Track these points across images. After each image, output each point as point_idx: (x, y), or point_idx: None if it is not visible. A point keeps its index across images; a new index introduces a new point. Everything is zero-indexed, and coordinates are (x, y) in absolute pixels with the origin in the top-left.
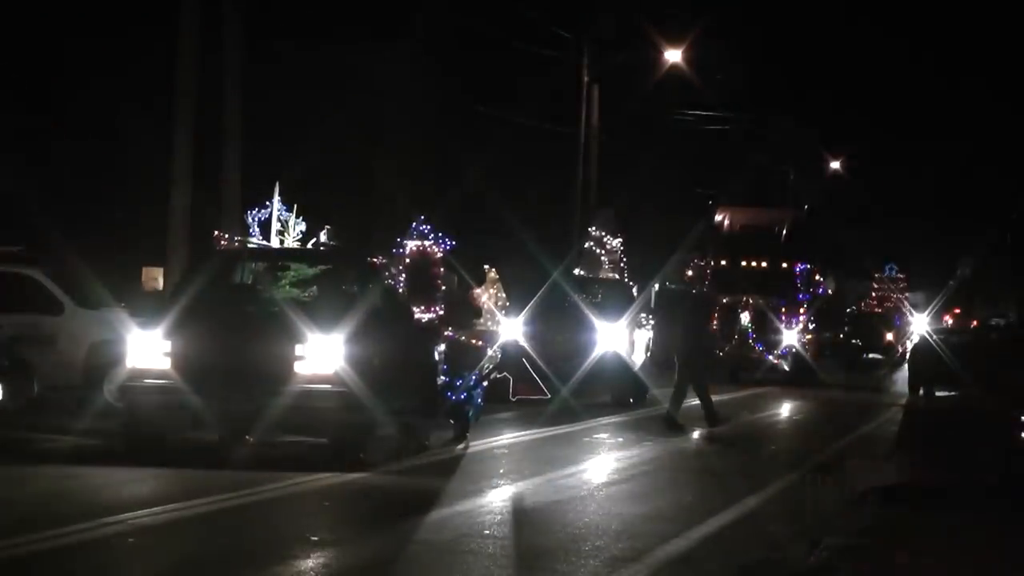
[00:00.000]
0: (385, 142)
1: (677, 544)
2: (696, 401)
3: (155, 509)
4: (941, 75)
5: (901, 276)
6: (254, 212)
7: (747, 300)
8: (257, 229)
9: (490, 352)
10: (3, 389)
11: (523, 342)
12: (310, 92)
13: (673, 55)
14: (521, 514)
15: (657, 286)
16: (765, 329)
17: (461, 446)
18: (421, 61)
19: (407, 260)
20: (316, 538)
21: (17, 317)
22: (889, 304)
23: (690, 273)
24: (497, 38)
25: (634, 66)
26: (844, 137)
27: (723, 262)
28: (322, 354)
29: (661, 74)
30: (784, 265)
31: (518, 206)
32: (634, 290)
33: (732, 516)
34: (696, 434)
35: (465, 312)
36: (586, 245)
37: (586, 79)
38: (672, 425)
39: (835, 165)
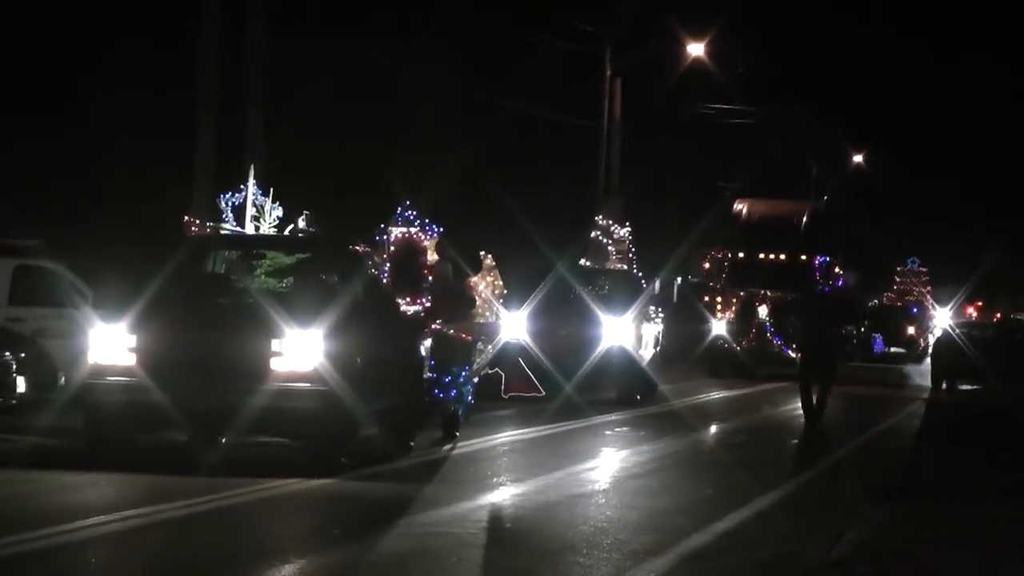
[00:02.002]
0: (396, 131)
1: (696, 539)
2: (711, 395)
3: (115, 515)
4: (965, 69)
5: (923, 270)
6: (227, 196)
7: (765, 293)
8: (231, 214)
9: (480, 346)
10: (25, 381)
11: (523, 336)
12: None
13: (695, 49)
14: (511, 520)
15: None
16: (783, 323)
17: (449, 447)
18: (442, 54)
19: (392, 249)
20: (292, 547)
21: (40, 310)
22: (911, 298)
23: (707, 266)
24: (519, 32)
25: (656, 60)
26: (867, 131)
27: (741, 254)
28: (300, 350)
29: (683, 68)
30: (803, 257)
31: (529, 197)
32: (643, 282)
33: (752, 511)
34: (713, 429)
35: (459, 303)
36: (592, 235)
37: (608, 73)
38: (814, 422)
39: (857, 159)
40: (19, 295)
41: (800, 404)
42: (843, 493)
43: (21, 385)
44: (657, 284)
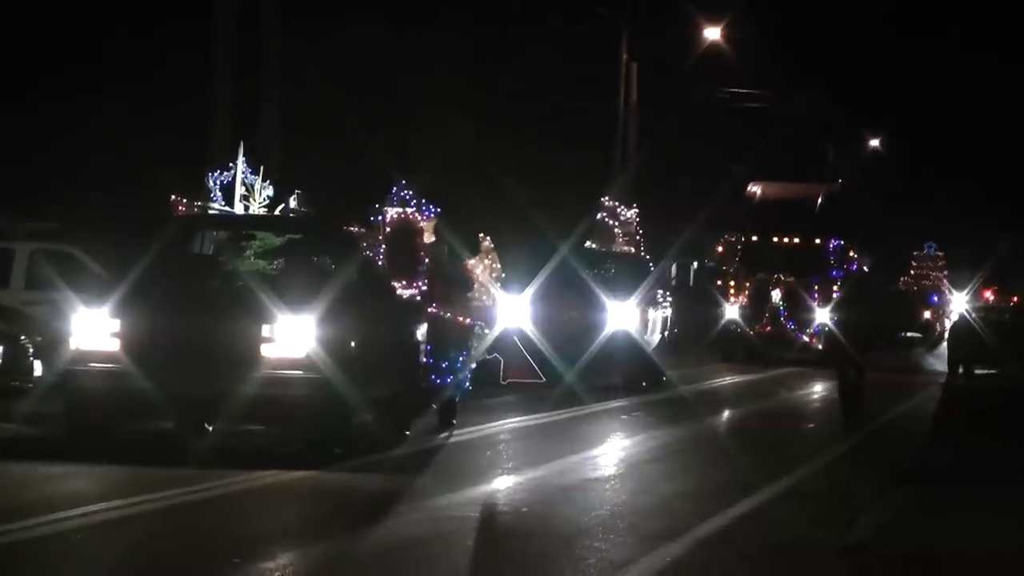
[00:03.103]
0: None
1: (712, 523)
2: (723, 380)
3: (95, 507)
4: (983, 52)
5: (940, 254)
6: (215, 175)
7: (778, 277)
8: (219, 193)
9: (479, 331)
10: (42, 365)
11: (524, 321)
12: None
13: (712, 32)
14: (519, 506)
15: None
16: (797, 308)
17: (446, 434)
18: (452, 32)
19: (387, 230)
20: (282, 539)
21: (57, 294)
22: (927, 282)
23: (720, 249)
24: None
25: (671, 43)
26: (883, 114)
27: (754, 238)
28: (292, 335)
29: (699, 51)
30: (817, 241)
31: (532, 179)
32: (651, 265)
33: (768, 495)
34: (725, 414)
35: (457, 286)
36: (598, 216)
37: (624, 56)
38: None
39: (874, 143)
40: (36, 279)
41: (839, 393)
42: (860, 477)
43: (38, 369)
44: (673, 268)
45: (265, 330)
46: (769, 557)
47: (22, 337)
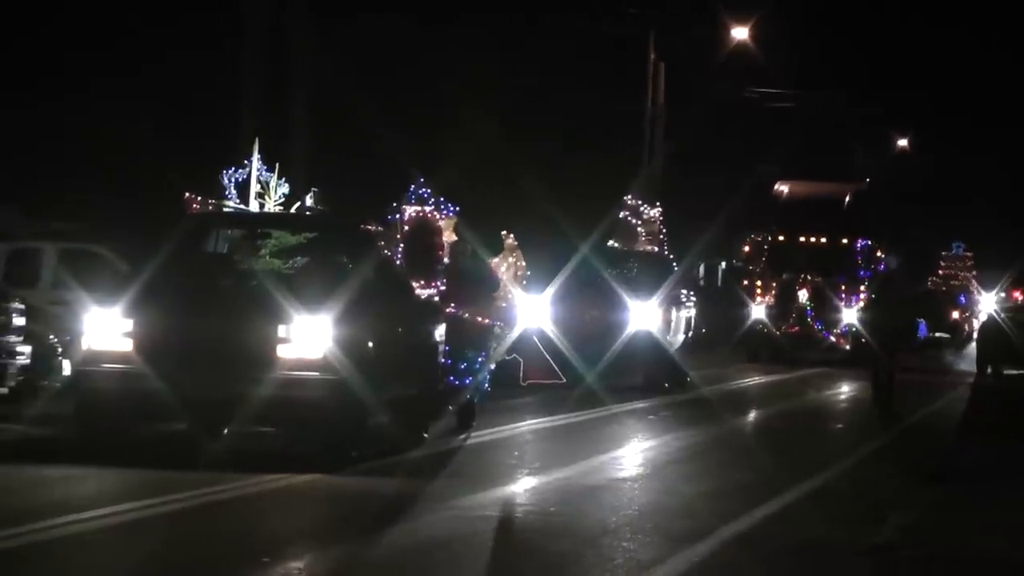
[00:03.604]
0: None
1: (738, 524)
2: (750, 381)
3: (106, 510)
4: (1011, 50)
5: (968, 254)
6: (230, 172)
7: (805, 277)
8: (234, 191)
9: (498, 331)
10: (71, 364)
11: (544, 321)
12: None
13: (739, 32)
14: (543, 506)
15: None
16: (824, 307)
17: (464, 436)
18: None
19: (405, 228)
20: (296, 544)
21: (85, 293)
22: (956, 282)
23: (747, 249)
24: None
25: (699, 43)
26: (911, 114)
27: (781, 237)
28: (308, 336)
29: (726, 50)
30: (844, 241)
31: (559, 180)
32: (674, 264)
33: (794, 495)
34: (752, 415)
35: (482, 286)
36: (621, 215)
37: (652, 57)
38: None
39: (902, 142)
40: (65, 278)
41: (873, 391)
42: (887, 478)
43: (66, 368)
44: (701, 268)
45: (281, 330)
46: (794, 557)
47: (50, 336)
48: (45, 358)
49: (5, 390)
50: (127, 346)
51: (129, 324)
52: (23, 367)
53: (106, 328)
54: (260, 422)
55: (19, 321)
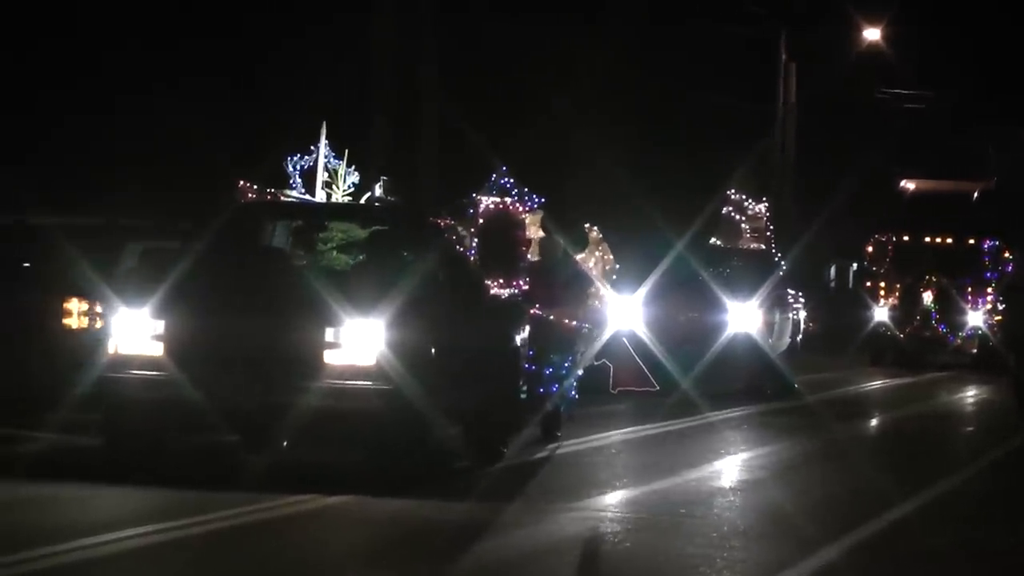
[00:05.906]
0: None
1: (868, 527)
2: (867, 385)
3: (134, 530)
4: None
5: None
6: (295, 159)
7: (930, 278)
8: (299, 180)
9: (586, 334)
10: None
11: (635, 323)
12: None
13: (872, 33)
14: (659, 513)
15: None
16: (949, 310)
17: (551, 447)
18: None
19: (480, 221)
20: (352, 568)
21: None
22: None
23: (870, 249)
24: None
25: (831, 43)
26: None
27: (906, 237)
28: (360, 340)
29: (858, 51)
30: (971, 241)
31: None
32: (781, 263)
33: (926, 498)
34: (875, 419)
35: (574, 285)
36: (724, 211)
37: (784, 57)
38: None
39: None
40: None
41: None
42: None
43: None
44: (832, 270)
45: (329, 334)
46: (927, 560)
47: None
48: None
49: None
50: (157, 350)
51: (160, 326)
52: None
53: (134, 330)
54: (304, 436)
55: None
